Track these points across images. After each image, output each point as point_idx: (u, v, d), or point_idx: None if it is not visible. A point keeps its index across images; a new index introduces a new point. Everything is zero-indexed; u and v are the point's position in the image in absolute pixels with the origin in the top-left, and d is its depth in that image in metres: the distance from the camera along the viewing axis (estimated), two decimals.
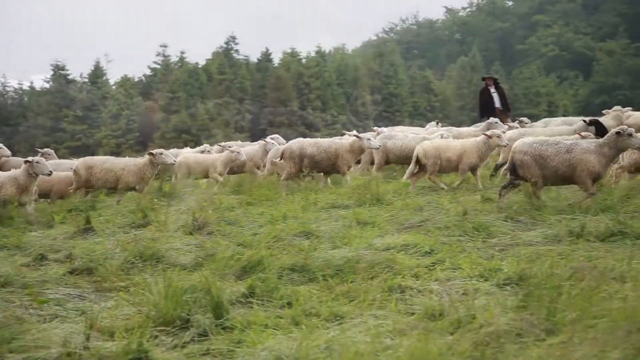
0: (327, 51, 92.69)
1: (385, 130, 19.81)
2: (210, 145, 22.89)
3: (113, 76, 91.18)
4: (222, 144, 21.51)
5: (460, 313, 5.94)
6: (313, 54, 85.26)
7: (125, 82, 77.95)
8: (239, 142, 25.57)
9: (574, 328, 5.26)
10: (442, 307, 6.33)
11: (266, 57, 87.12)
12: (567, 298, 5.89)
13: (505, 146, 14.96)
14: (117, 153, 56.52)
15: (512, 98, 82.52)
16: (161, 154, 15.65)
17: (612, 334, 4.98)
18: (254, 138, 67.25)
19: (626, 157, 13.47)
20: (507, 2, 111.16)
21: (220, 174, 18.21)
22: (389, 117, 76.74)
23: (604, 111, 19.58)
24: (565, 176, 11.60)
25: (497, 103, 23.95)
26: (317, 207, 12.90)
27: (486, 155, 15.08)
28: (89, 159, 16.33)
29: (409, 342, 5.34)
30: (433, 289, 7.26)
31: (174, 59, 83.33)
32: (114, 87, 79.09)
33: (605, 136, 11.82)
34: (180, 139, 63.03)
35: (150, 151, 16.13)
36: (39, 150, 20.74)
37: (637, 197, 11.41)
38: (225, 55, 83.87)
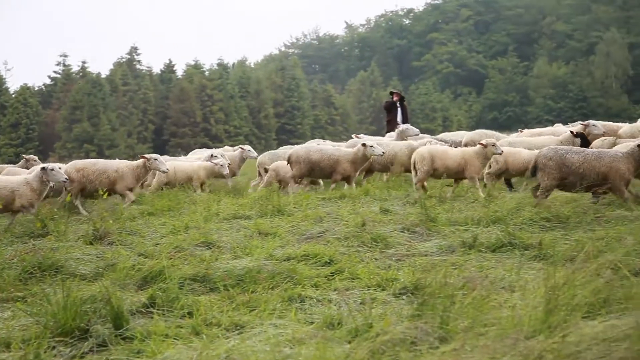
0: (229, 64, 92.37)
1: (365, 137, 19.81)
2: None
3: (14, 84, 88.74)
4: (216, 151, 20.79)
5: (358, 322, 5.97)
6: (216, 67, 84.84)
7: (24, 90, 75.83)
8: (227, 148, 24.77)
9: (466, 336, 5.33)
10: (341, 316, 6.35)
11: (169, 68, 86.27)
12: (459, 307, 5.98)
13: (501, 154, 14.97)
14: (15, 162, 54.89)
15: (409, 113, 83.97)
16: (155, 159, 15.18)
17: (501, 342, 5.07)
18: (156, 149, 66.53)
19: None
20: (404, 20, 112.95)
21: (203, 183, 17.81)
22: (290, 130, 76.96)
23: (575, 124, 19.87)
24: (592, 183, 11.76)
25: (399, 118, 24.65)
26: (219, 217, 12.80)
27: (484, 165, 15.16)
28: (79, 162, 15.70)
29: (308, 351, 5.34)
30: (332, 298, 7.27)
31: (75, 68, 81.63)
32: (13, 95, 76.84)
33: (630, 148, 12.05)
34: (82, 149, 61.81)
35: (144, 155, 15.63)
36: (24, 156, 19.71)
37: (526, 209, 11.68)
38: (128, 66, 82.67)
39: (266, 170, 18.09)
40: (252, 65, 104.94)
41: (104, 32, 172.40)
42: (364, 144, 16.12)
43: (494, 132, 20.35)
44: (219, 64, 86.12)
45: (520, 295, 6.51)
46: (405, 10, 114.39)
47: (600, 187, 11.83)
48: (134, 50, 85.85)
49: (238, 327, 6.36)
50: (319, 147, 16.92)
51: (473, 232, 10.00)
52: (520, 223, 10.72)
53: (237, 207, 13.76)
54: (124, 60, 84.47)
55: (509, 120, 77.26)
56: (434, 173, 15.03)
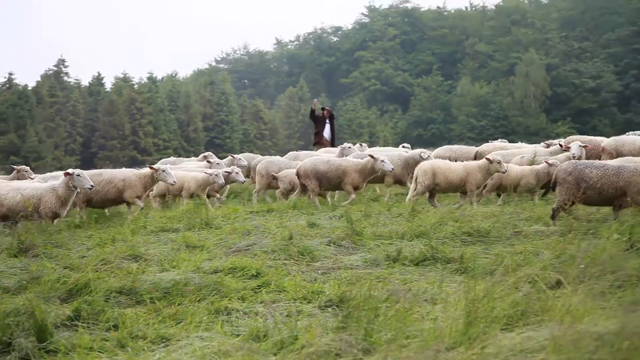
0: (159, 78, 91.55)
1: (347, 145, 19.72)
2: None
3: None
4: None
5: (284, 334, 5.96)
6: (145, 80, 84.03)
7: None
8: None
9: (389, 348, 5.37)
10: (267, 328, 6.34)
11: (98, 81, 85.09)
12: (383, 319, 6.02)
13: (504, 172, 14.94)
14: None
15: (336, 128, 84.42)
16: (164, 170, 14.69)
17: (422, 353, 5.12)
18: (84, 161, 65.50)
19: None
20: (333, 38, 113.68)
21: (193, 195, 17.17)
22: (219, 144, 76.59)
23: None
24: (610, 197, 11.71)
25: (327, 134, 24.83)
26: (146, 230, 12.64)
27: (485, 179, 15.13)
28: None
29: None
30: (258, 311, 7.25)
31: (0, 79, 79.81)
32: None
33: None
34: (8, 161, 60.40)
35: (152, 166, 15.24)
36: (14, 167, 18.68)
37: (448, 223, 11.82)
38: (56, 78, 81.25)
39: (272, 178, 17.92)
40: (182, 80, 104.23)
41: (31, 44, 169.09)
42: (372, 157, 15.90)
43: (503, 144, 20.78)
44: (148, 78, 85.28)
45: (442, 308, 6.59)
46: (333, 29, 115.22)
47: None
48: (61, 62, 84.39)
49: (164, 340, 6.29)
50: (326, 158, 16.71)
51: (397, 246, 10.08)
52: (443, 237, 10.84)
53: (165, 220, 13.61)
54: (51, 72, 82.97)
55: (433, 137, 78.34)
56: (436, 187, 15.05)
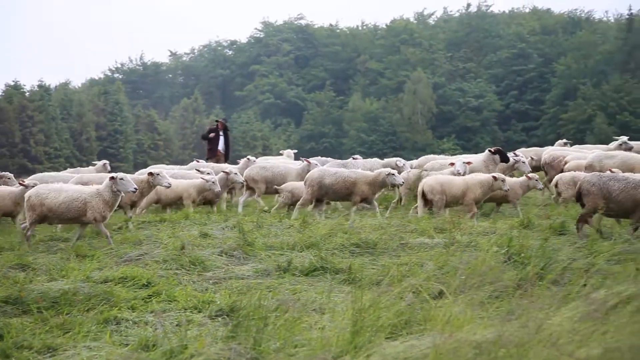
0: (51, 86, 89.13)
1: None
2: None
3: None
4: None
5: (173, 343, 5.88)
6: (37, 88, 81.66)
7: None
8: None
9: (277, 356, 5.38)
10: (156, 338, 6.25)
11: None
12: (272, 328, 6.02)
13: (506, 191, 14.90)
14: None
15: (231, 140, 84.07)
16: (158, 174, 13.84)
17: None
18: None
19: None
20: (227, 51, 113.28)
21: (194, 202, 16.47)
22: (113, 154, 75.10)
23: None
24: (629, 210, 11.68)
25: (221, 146, 24.71)
26: (35, 239, 12.29)
27: (484, 195, 14.99)
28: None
29: None
30: (148, 320, 7.15)
31: None
32: None
33: None
34: None
35: (150, 172, 14.51)
36: None
37: (338, 235, 11.93)
38: None
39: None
40: (75, 88, 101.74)
41: None
42: (388, 173, 15.44)
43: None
44: (39, 86, 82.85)
45: (330, 317, 6.64)
46: (228, 42, 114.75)
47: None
48: None
49: (50, 350, 6.12)
50: (334, 170, 16.21)
51: (288, 257, 10.11)
52: (332, 248, 10.93)
53: (56, 229, 13.27)
54: None
55: (325, 151, 78.86)
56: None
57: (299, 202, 15.86)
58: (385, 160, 19.32)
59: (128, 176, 12.96)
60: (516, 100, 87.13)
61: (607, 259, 9.44)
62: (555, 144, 26.00)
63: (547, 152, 19.70)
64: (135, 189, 12.73)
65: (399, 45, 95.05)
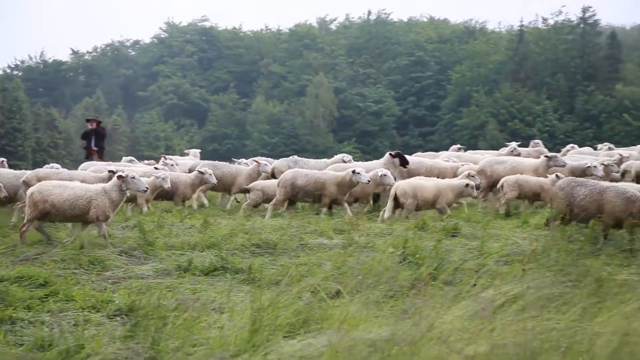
0: None
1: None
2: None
3: None
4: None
5: (69, 343, 5.76)
6: None
7: None
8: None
9: (175, 356, 5.33)
10: (52, 337, 6.09)
11: None
12: (171, 328, 5.96)
13: (475, 197, 15.69)
14: None
15: (133, 140, 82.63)
16: (133, 177, 12.31)
17: None
18: None
19: None
20: (130, 51, 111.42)
21: (147, 200, 15.97)
22: (11, 152, 72.77)
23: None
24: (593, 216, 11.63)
25: (93, 144, 24.26)
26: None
27: (456, 199, 15.52)
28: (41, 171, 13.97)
29: None
30: (45, 320, 6.97)
31: None
32: None
33: None
34: None
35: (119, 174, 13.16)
36: None
37: (239, 235, 11.89)
38: None
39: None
40: None
41: None
42: (353, 171, 15.57)
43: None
44: None
45: (229, 317, 6.62)
46: (132, 42, 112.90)
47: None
48: None
49: None
50: (305, 171, 16.18)
51: (189, 257, 10.04)
52: (233, 248, 10.91)
53: None
54: None
55: (228, 152, 78.39)
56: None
57: (271, 202, 16.00)
58: (332, 159, 19.57)
59: (137, 175, 12.54)
60: (414, 106, 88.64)
61: (496, 260, 9.72)
62: (450, 149, 26.67)
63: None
64: (146, 188, 12.45)
65: (301, 49, 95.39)
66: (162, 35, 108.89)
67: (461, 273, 8.67)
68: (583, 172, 17.34)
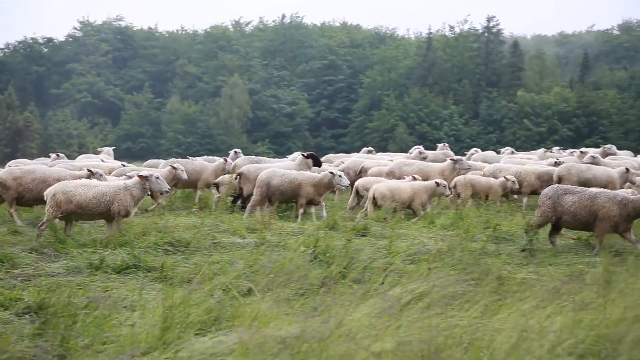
0: None
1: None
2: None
3: None
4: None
5: None
6: None
7: None
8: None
9: (85, 353, 5.22)
10: None
11: None
12: (81, 325, 5.84)
13: (447, 196, 16.14)
14: None
15: (45, 138, 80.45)
16: (157, 177, 12.59)
17: (117, 358, 5.04)
18: None
19: None
20: (44, 48, 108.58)
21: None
22: None
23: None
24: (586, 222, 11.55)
25: None
26: None
27: (429, 199, 15.84)
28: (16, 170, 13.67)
29: None
30: None
31: None
32: None
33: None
34: None
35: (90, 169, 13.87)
36: None
37: (152, 234, 11.74)
38: None
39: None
40: None
41: None
42: (332, 173, 15.53)
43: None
44: None
45: (140, 314, 6.52)
46: (45, 39, 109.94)
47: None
48: None
49: None
50: (281, 172, 15.91)
51: (100, 255, 9.84)
52: (146, 247, 10.76)
53: None
54: None
55: (142, 151, 77.30)
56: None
57: (249, 204, 15.87)
58: (292, 155, 19.79)
59: (161, 175, 12.95)
60: (326, 108, 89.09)
61: (403, 259, 9.86)
62: (361, 151, 26.93)
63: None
64: (168, 189, 12.97)
65: (217, 51, 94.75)
66: (77, 34, 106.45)
67: (370, 272, 8.76)
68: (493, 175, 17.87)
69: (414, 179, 16.48)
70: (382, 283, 7.65)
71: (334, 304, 6.21)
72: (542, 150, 28.60)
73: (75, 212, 11.73)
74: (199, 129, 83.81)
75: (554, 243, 12.01)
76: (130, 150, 74.05)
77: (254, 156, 20.78)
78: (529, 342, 5.27)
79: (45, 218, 11.71)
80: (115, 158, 24.17)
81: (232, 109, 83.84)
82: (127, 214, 11.98)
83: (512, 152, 27.03)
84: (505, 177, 16.87)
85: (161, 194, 14.98)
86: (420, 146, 24.44)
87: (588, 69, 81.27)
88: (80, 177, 13.72)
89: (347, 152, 37.56)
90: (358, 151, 29.56)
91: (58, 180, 13.90)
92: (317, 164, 17.93)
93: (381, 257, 9.96)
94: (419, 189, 15.71)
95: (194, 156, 24.07)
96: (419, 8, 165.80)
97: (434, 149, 27.14)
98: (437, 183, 15.75)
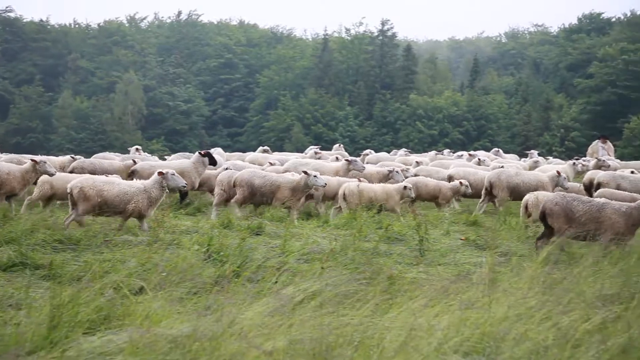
0: None
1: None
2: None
3: None
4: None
5: None
6: None
7: None
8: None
9: None
10: None
11: None
12: None
13: (413, 198, 16.21)
14: None
15: None
16: (45, 162, 12.67)
17: (1, 358, 4.88)
18: None
19: None
20: None
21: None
22: None
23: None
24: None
25: None
26: None
27: (401, 199, 15.94)
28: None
29: None
30: None
31: None
32: None
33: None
34: None
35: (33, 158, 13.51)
36: None
37: (40, 231, 11.40)
38: None
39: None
40: None
41: None
42: (306, 173, 15.19)
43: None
44: None
45: (26, 313, 6.32)
46: None
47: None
48: None
49: None
50: (262, 173, 15.70)
51: None
52: (34, 244, 10.45)
53: None
54: None
55: (32, 146, 74.79)
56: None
57: (232, 200, 15.59)
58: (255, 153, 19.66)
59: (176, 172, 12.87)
60: (223, 107, 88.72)
61: (297, 258, 9.92)
62: (257, 150, 26.95)
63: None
64: (185, 184, 12.79)
65: (111, 46, 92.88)
66: None
67: (264, 270, 8.76)
68: (385, 177, 18.11)
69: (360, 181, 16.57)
70: (276, 282, 7.67)
71: (227, 302, 6.18)
72: (433, 152, 29.30)
73: (101, 207, 11.97)
74: (91, 125, 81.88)
75: (540, 248, 11.15)
76: (19, 145, 71.62)
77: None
78: (417, 340, 5.38)
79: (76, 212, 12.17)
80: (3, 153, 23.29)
81: (127, 106, 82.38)
82: (145, 214, 12.16)
83: (406, 154, 27.61)
84: (460, 182, 17.54)
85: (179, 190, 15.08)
86: (316, 146, 24.63)
87: (478, 74, 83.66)
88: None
89: (244, 151, 37.49)
90: (254, 150, 29.54)
91: (8, 174, 13.84)
92: (213, 162, 17.83)
93: (275, 256, 9.97)
94: (390, 190, 15.92)
95: (87, 153, 23.55)
96: (316, 9, 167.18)
97: (330, 149, 27.40)
98: (404, 187, 15.93)
